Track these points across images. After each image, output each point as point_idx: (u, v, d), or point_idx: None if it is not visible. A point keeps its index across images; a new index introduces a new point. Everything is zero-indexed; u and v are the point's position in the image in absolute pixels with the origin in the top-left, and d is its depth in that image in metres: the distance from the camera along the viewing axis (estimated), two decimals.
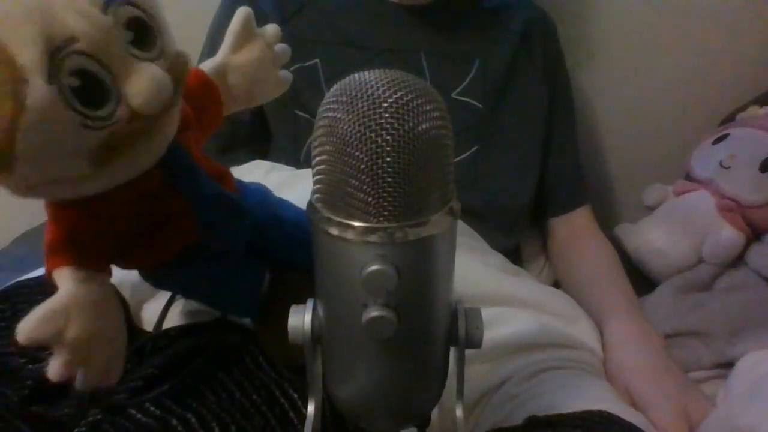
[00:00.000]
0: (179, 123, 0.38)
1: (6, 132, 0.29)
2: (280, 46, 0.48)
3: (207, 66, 0.45)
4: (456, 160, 0.76)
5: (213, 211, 0.42)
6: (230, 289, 0.46)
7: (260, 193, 0.49)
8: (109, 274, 0.40)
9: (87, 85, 0.31)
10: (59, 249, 0.37)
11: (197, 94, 0.44)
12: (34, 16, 0.29)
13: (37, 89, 0.29)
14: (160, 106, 0.33)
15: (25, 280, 0.52)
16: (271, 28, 0.47)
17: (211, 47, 0.81)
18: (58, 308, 0.33)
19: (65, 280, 0.35)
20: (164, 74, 0.33)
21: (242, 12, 0.45)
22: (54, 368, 0.33)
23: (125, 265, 0.43)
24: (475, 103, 0.78)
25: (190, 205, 0.41)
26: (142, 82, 0.32)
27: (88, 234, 0.38)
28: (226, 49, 0.46)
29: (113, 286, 0.40)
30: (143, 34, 0.34)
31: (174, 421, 0.41)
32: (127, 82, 0.32)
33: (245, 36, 0.46)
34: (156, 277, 0.45)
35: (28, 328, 0.32)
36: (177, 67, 0.35)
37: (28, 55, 0.29)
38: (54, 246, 0.37)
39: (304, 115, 0.76)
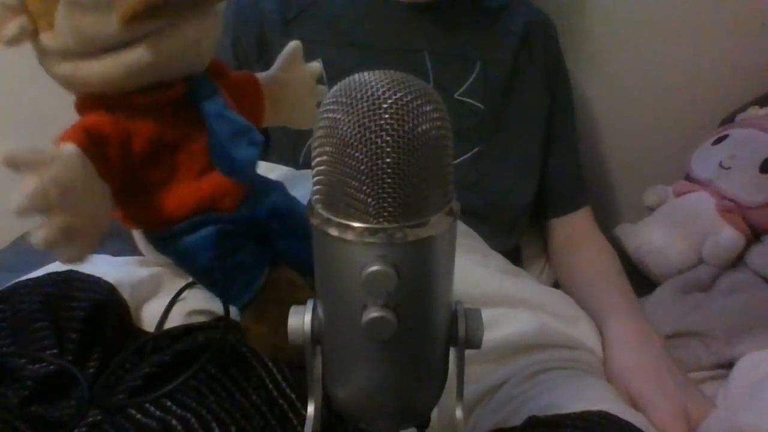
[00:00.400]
0: (214, 68, 0.43)
1: None
2: (321, 87, 0.56)
3: (259, 75, 0.52)
4: (457, 161, 0.77)
5: (227, 134, 0.43)
6: (230, 268, 0.46)
7: (280, 184, 0.51)
8: (110, 186, 0.40)
9: None
10: (76, 131, 0.38)
11: (242, 87, 0.49)
12: None
13: None
14: None
15: (25, 280, 0.52)
16: (316, 65, 0.56)
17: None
18: (49, 150, 0.34)
19: (67, 147, 0.36)
20: None
21: (294, 43, 0.54)
22: (38, 233, 0.33)
23: (135, 209, 0.44)
24: (477, 104, 0.78)
25: (205, 125, 0.43)
26: None
27: (107, 140, 0.39)
28: (276, 67, 0.54)
29: (107, 196, 0.40)
30: None
31: (174, 422, 0.41)
32: None
33: (292, 61, 0.54)
34: (162, 242, 0.46)
35: (9, 148, 0.32)
36: None
37: None
38: (72, 130, 0.38)
39: None
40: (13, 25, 0.37)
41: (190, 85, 0.43)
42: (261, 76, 0.53)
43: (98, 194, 0.38)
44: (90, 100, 0.41)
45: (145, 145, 0.42)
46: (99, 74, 0.39)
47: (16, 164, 0.32)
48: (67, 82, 0.40)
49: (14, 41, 0.37)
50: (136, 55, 0.38)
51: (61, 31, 0.37)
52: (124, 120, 0.41)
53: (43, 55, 0.39)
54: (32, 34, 0.38)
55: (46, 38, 0.38)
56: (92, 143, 0.38)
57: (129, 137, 0.41)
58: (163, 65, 0.40)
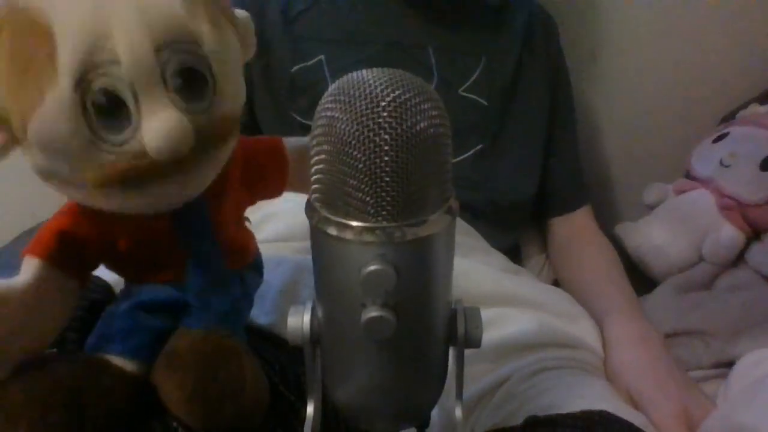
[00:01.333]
0: (212, 187, 0.38)
1: (25, 107, 0.30)
2: None
3: (291, 141, 0.46)
4: (460, 158, 0.77)
5: (203, 279, 0.41)
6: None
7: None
8: (83, 282, 0.39)
9: (108, 107, 0.31)
10: (45, 240, 0.37)
11: (264, 161, 0.44)
12: (90, 21, 0.30)
13: (61, 90, 0.29)
14: (171, 155, 0.32)
15: None
16: None
17: None
18: (2, 292, 0.33)
19: (29, 269, 0.36)
20: (187, 127, 0.32)
21: None
22: None
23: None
24: (482, 100, 0.78)
25: (185, 264, 0.40)
26: (160, 125, 0.31)
27: (79, 241, 0.38)
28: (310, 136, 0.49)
29: (76, 292, 0.39)
30: (196, 84, 0.33)
31: (174, 424, 0.41)
32: (148, 118, 0.31)
33: None
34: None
35: None
36: (216, 130, 0.34)
37: (67, 57, 0.29)
38: (42, 235, 0.37)
39: (298, 118, 0.76)
40: None
41: (175, 220, 0.39)
42: (293, 144, 0.46)
43: (50, 322, 0.37)
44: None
45: (128, 246, 0.39)
46: (76, 197, 0.36)
47: None
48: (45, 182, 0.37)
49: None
50: (117, 201, 0.35)
51: (34, 163, 0.33)
52: (110, 221, 0.37)
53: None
54: (15, 146, 0.34)
55: (26, 156, 0.34)
56: (67, 246, 0.37)
57: (113, 238, 0.39)
58: (149, 210, 0.36)
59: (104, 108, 0.31)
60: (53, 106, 0.30)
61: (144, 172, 0.32)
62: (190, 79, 0.33)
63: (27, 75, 0.30)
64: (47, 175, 0.34)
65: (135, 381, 0.40)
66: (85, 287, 0.40)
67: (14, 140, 0.33)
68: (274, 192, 0.47)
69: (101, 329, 0.41)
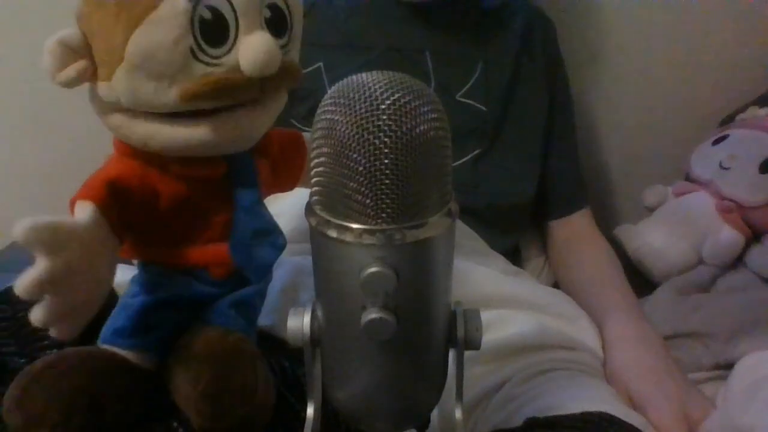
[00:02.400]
0: (258, 147, 0.42)
1: (133, 19, 0.34)
2: None
3: (307, 135, 0.50)
4: (458, 162, 0.77)
5: (251, 231, 0.42)
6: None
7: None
8: (119, 243, 0.39)
9: (213, 24, 0.35)
10: (97, 186, 0.37)
11: (290, 151, 0.49)
12: None
13: (176, 1, 0.33)
14: (261, 72, 0.36)
15: None
16: None
17: None
18: (67, 227, 0.33)
19: (85, 212, 0.35)
20: (277, 50, 0.36)
21: None
22: (26, 280, 0.31)
23: (131, 248, 0.43)
24: (479, 106, 0.78)
25: (233, 203, 0.42)
26: (258, 42, 0.35)
27: (132, 194, 0.38)
28: None
29: (116, 252, 0.39)
30: (277, 23, 0.38)
31: (175, 424, 0.41)
32: (246, 38, 0.36)
33: None
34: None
35: (29, 225, 0.31)
36: (287, 71, 0.38)
37: None
38: (93, 182, 0.37)
39: (297, 124, 0.76)
40: (73, 69, 0.36)
41: (231, 167, 0.42)
42: (307, 137, 0.50)
43: (105, 268, 0.37)
44: (128, 145, 0.40)
45: (169, 205, 0.40)
46: (142, 136, 0.38)
47: (32, 245, 0.31)
48: (110, 129, 0.40)
49: (70, 84, 0.36)
50: (183, 134, 0.37)
51: (116, 87, 0.36)
52: (155, 176, 0.40)
53: (95, 98, 0.38)
54: (90, 78, 0.37)
55: (101, 87, 0.37)
56: (114, 197, 0.37)
57: (156, 195, 0.40)
58: (209, 148, 0.39)
59: (208, 24, 0.35)
60: (167, 11, 0.34)
61: (233, 86, 0.36)
62: (274, 16, 0.38)
63: None
64: (131, 96, 0.36)
65: (148, 378, 0.41)
66: (117, 252, 0.40)
67: (91, 77, 0.37)
68: (292, 182, 0.50)
69: (116, 322, 0.42)
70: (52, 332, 0.34)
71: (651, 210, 0.95)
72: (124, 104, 0.37)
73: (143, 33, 0.34)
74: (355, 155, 0.26)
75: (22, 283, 0.31)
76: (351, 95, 0.27)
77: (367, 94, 0.26)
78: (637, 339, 0.67)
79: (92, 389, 0.37)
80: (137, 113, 0.37)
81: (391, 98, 0.26)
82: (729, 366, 0.67)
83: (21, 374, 0.37)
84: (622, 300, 0.74)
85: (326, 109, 0.28)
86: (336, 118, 0.27)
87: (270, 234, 0.44)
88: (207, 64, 0.35)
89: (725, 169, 0.88)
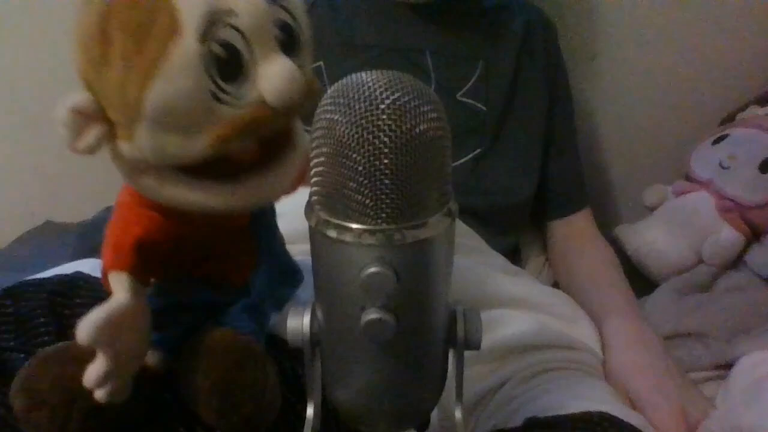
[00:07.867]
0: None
1: (143, 74, 0.31)
2: None
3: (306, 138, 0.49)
4: (458, 162, 0.77)
5: (274, 273, 0.44)
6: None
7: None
8: (149, 286, 0.40)
9: (228, 60, 0.32)
10: (126, 251, 0.36)
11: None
12: None
13: (186, 44, 0.31)
14: (288, 101, 0.34)
15: (32, 278, 0.52)
16: None
17: None
18: (117, 316, 0.34)
19: (123, 287, 0.35)
20: (299, 72, 0.34)
21: None
22: (93, 375, 0.34)
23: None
24: (480, 105, 0.78)
25: (255, 257, 0.43)
26: (279, 71, 0.33)
27: (157, 247, 0.38)
28: None
29: (146, 295, 0.40)
30: (289, 41, 0.35)
31: (181, 429, 0.41)
32: (265, 68, 0.33)
33: None
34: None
35: (89, 329, 0.32)
36: (311, 87, 0.36)
37: (189, 13, 0.31)
38: (121, 246, 0.37)
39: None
40: (92, 136, 0.34)
41: (253, 218, 0.42)
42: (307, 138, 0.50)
43: (146, 325, 0.38)
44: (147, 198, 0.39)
45: (197, 250, 0.40)
46: (168, 196, 0.36)
47: (98, 345, 0.33)
48: (139, 191, 0.38)
49: (92, 151, 0.34)
50: (215, 201, 0.36)
51: (140, 145, 0.34)
52: (178, 225, 0.38)
53: (118, 157, 0.36)
54: (110, 139, 0.35)
55: (123, 147, 0.35)
56: (143, 259, 0.37)
57: (182, 241, 0.39)
58: (234, 210, 0.38)
59: (222, 60, 0.32)
60: (179, 58, 0.31)
61: (262, 123, 0.34)
62: (285, 35, 0.35)
63: (147, 40, 0.31)
64: (159, 153, 0.34)
65: (156, 379, 0.41)
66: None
67: (110, 133, 0.35)
68: (294, 184, 0.49)
69: None
70: (100, 395, 0.35)
71: (651, 210, 0.95)
72: (152, 161, 0.35)
73: (158, 87, 0.32)
74: (354, 155, 0.26)
75: (89, 379, 0.34)
76: (350, 95, 0.27)
77: (367, 93, 0.26)
78: (636, 339, 0.67)
79: None
80: (165, 174, 0.36)
81: (391, 98, 0.26)
82: (728, 366, 0.67)
83: (31, 359, 0.38)
84: (622, 300, 0.74)
85: (326, 108, 0.28)
86: (335, 117, 0.27)
87: (292, 275, 0.46)
88: (230, 105, 0.33)
89: (725, 168, 0.88)
